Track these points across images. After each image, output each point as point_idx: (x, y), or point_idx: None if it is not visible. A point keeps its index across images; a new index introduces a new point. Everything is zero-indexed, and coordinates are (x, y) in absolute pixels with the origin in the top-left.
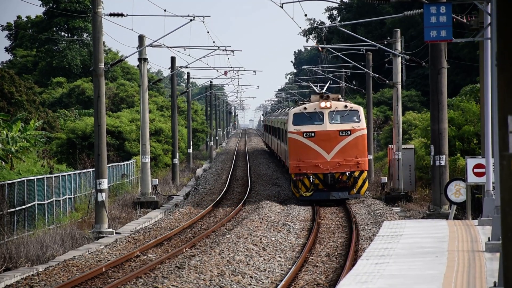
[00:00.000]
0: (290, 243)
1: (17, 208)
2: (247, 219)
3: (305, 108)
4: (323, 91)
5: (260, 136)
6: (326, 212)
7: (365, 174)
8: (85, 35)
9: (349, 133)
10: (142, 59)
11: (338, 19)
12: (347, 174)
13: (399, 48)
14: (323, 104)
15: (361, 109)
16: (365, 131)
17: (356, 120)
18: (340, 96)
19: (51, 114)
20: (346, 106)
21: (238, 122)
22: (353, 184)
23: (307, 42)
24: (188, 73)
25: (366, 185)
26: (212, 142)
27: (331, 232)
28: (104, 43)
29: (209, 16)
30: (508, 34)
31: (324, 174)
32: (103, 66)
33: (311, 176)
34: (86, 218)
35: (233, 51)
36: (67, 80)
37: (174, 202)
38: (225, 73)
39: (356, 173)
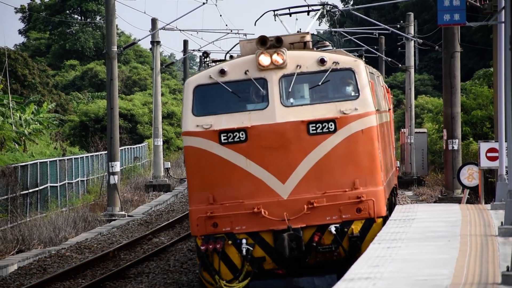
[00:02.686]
0: None
1: (30, 190)
2: None
3: (221, 72)
4: (304, 33)
5: None
6: None
7: (377, 226)
8: (98, 18)
9: (332, 127)
10: (155, 42)
11: (351, 2)
12: (332, 230)
13: (412, 32)
14: (265, 59)
15: (361, 67)
16: (373, 118)
17: (352, 93)
18: (308, 38)
19: (64, 96)
20: (322, 61)
21: None
22: (351, 253)
23: (319, 25)
24: (201, 56)
25: None
26: None
27: None
28: (117, 26)
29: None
30: None
31: (275, 232)
32: (116, 49)
33: (243, 241)
34: (99, 201)
35: (245, 35)
36: (80, 62)
37: (186, 185)
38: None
39: (356, 227)
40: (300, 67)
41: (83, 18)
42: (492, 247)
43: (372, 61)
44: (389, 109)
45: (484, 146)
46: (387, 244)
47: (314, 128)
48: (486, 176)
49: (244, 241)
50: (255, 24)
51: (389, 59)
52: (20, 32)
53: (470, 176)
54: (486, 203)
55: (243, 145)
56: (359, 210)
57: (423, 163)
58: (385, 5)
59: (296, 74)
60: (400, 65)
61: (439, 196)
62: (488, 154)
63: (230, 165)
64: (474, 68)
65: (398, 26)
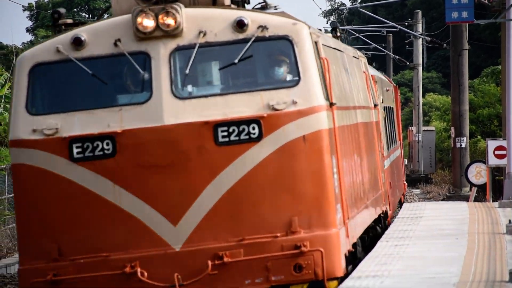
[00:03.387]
0: None
1: None
2: None
3: (76, 42)
4: None
5: None
6: None
7: None
8: (105, 16)
9: (255, 131)
10: None
11: (359, 0)
12: None
13: (420, 30)
14: (147, 21)
15: (304, 35)
16: (322, 118)
17: (288, 77)
18: None
19: None
20: (241, 25)
21: None
22: None
23: (327, 23)
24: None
25: None
26: None
27: None
28: None
29: None
30: None
31: None
32: None
33: None
34: None
35: None
36: None
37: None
38: None
39: None
40: (204, 35)
41: (90, 16)
42: (500, 245)
43: (380, 59)
44: (376, 105)
45: (492, 144)
46: (394, 242)
47: (226, 133)
48: (494, 174)
49: None
50: None
51: (397, 57)
52: (27, 30)
53: (478, 174)
54: (494, 201)
55: (110, 163)
56: (298, 268)
57: (430, 161)
58: (392, 2)
59: (198, 45)
60: (408, 63)
61: (447, 194)
62: (496, 152)
63: (87, 195)
64: (482, 66)
65: (406, 24)
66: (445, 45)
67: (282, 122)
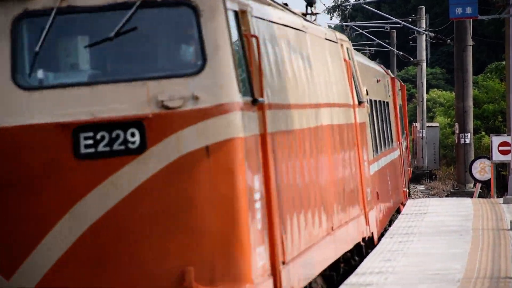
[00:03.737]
0: None
1: None
2: None
3: None
4: None
5: None
6: None
7: None
8: None
9: (134, 140)
10: None
11: None
12: None
13: (424, 26)
14: None
15: (216, 1)
16: (236, 120)
17: (189, 60)
18: None
19: None
20: None
21: None
22: None
23: (331, 20)
24: None
25: None
26: None
27: None
28: None
29: None
30: None
31: None
32: None
33: None
34: None
35: None
36: None
37: None
38: None
39: None
40: None
41: None
42: (505, 241)
43: (383, 55)
44: (361, 102)
45: (496, 140)
46: (399, 238)
47: (91, 141)
48: (498, 170)
49: None
50: None
51: (401, 53)
52: None
53: (482, 170)
54: (498, 197)
55: None
56: None
57: (434, 157)
58: None
59: (56, 10)
60: (411, 59)
61: (451, 190)
62: (500, 148)
63: None
64: (486, 61)
65: (410, 20)
66: (449, 41)
67: (176, 126)
